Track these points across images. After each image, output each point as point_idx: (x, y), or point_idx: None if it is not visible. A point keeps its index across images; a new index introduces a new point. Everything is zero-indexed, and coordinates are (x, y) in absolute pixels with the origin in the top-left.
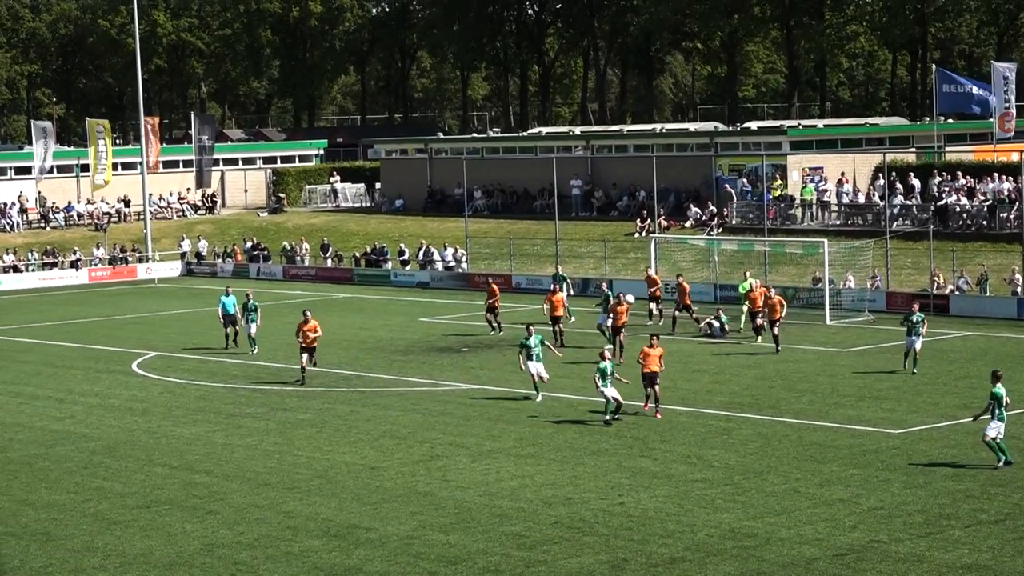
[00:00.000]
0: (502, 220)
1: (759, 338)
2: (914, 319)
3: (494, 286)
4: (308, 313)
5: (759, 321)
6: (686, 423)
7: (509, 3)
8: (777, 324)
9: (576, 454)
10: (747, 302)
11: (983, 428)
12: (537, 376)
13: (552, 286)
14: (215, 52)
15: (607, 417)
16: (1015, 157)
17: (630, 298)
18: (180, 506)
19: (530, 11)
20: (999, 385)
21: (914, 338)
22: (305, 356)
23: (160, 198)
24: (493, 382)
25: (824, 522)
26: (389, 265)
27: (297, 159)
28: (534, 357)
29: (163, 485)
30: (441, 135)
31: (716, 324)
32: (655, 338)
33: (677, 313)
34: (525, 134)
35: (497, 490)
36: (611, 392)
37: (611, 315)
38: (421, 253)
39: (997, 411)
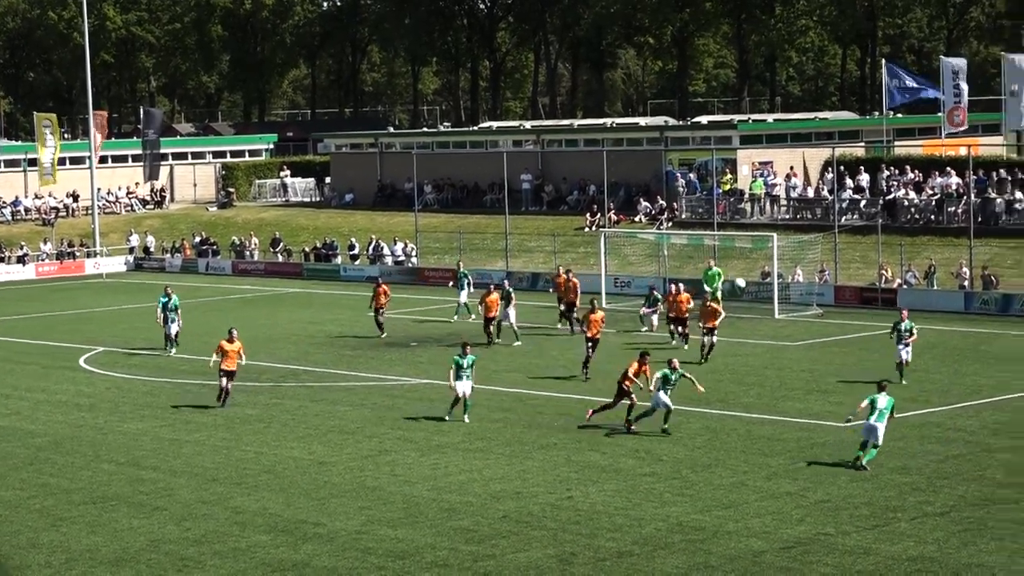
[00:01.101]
0: (452, 215)
1: (686, 344)
2: (903, 327)
3: (383, 288)
4: (234, 332)
5: (683, 329)
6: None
7: None
8: (715, 331)
9: (524, 448)
10: (666, 304)
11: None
12: (463, 395)
13: (489, 287)
14: (164, 46)
15: (665, 425)
16: (963, 152)
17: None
18: (127, 502)
19: (481, 6)
20: (882, 393)
21: (905, 347)
22: (224, 379)
23: (108, 193)
24: (442, 377)
25: (771, 515)
26: (339, 260)
27: (247, 153)
28: (464, 376)
29: (109, 481)
30: (391, 129)
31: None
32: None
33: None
34: (476, 128)
35: (445, 484)
36: (665, 399)
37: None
38: (371, 248)
39: (870, 413)
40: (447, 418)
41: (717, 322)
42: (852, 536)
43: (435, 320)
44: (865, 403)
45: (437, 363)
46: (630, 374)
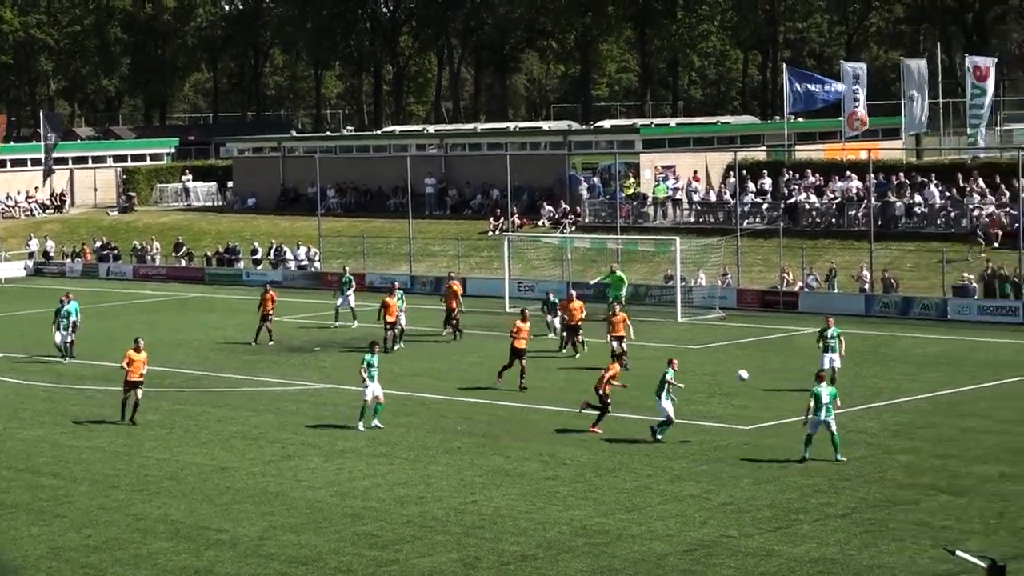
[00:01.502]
0: (356, 219)
1: (568, 349)
2: (829, 335)
3: (272, 294)
4: (141, 342)
5: (579, 336)
6: (538, 421)
7: (363, 2)
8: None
9: (429, 453)
10: (560, 312)
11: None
12: (375, 399)
13: (392, 289)
14: (64, 49)
15: (659, 436)
16: (864, 155)
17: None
18: (26, 509)
19: (384, 9)
20: (822, 385)
21: (832, 355)
22: (129, 392)
23: (7, 197)
24: (345, 381)
25: (675, 518)
26: (241, 264)
27: (148, 157)
28: (373, 377)
29: (8, 488)
30: (294, 133)
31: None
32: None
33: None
34: (379, 132)
35: (349, 490)
36: (669, 407)
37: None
38: (273, 252)
39: (818, 409)
40: (362, 428)
41: (627, 331)
42: (755, 538)
43: (341, 324)
44: (811, 401)
45: (341, 367)
46: (607, 378)
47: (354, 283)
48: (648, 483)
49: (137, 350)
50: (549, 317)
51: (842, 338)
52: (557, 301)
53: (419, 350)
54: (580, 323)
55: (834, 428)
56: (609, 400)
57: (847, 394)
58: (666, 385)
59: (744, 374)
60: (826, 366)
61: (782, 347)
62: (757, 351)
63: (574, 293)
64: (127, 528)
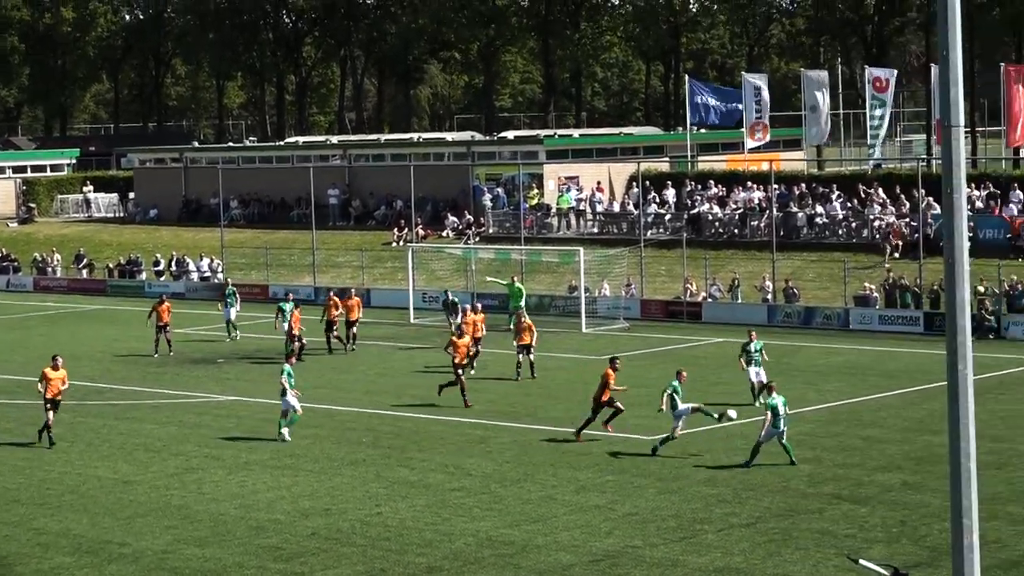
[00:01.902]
0: (259, 230)
1: (472, 369)
2: (752, 348)
3: (167, 305)
4: (59, 360)
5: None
6: (444, 432)
7: (265, 12)
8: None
9: (334, 465)
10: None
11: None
12: (293, 411)
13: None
14: None
15: (659, 447)
16: (766, 166)
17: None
18: None
19: (286, 20)
20: (775, 396)
21: (757, 368)
22: (51, 413)
23: None
24: (249, 393)
25: (580, 528)
26: (143, 276)
27: (48, 168)
28: (292, 387)
29: None
30: (196, 144)
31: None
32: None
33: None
34: (282, 143)
35: (253, 502)
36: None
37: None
38: (175, 264)
39: (776, 420)
40: (289, 439)
41: (532, 339)
42: (660, 548)
43: (246, 335)
44: (769, 413)
45: (244, 379)
46: (610, 385)
47: (238, 295)
48: (553, 494)
49: (55, 368)
50: (452, 318)
51: (764, 352)
52: (457, 301)
53: (325, 362)
54: (480, 337)
55: (785, 438)
56: (618, 403)
57: (750, 404)
58: (676, 398)
59: (732, 413)
60: (753, 379)
61: (686, 358)
62: (661, 361)
63: (471, 306)
64: (28, 543)
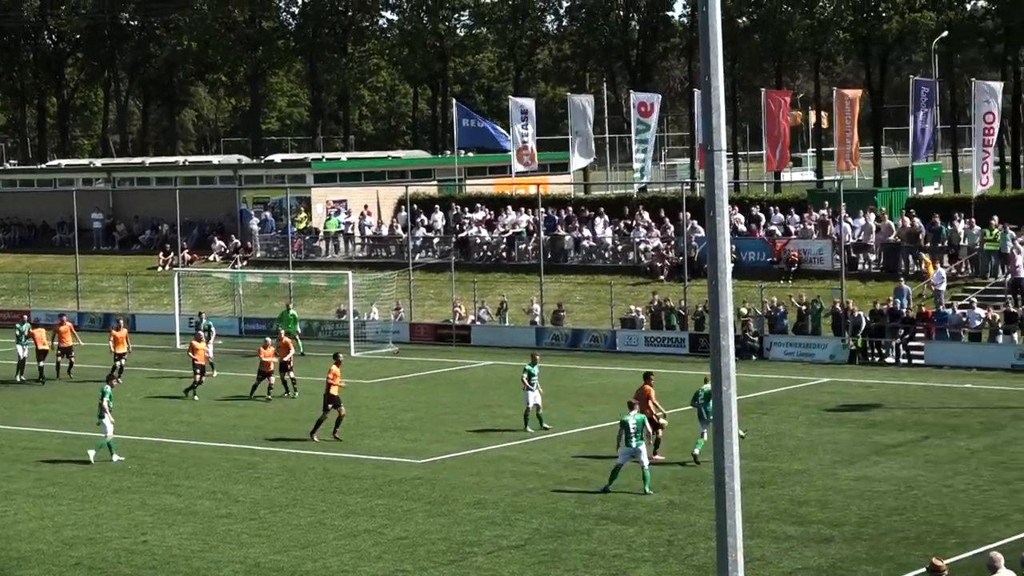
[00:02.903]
0: (20, 255)
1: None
2: (527, 374)
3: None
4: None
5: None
6: (211, 458)
7: (27, 32)
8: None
9: (98, 492)
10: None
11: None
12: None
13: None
14: None
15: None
16: (533, 190)
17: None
18: None
19: (48, 40)
20: (631, 413)
21: (534, 392)
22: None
23: None
24: (10, 421)
25: (350, 553)
26: None
27: None
28: (109, 411)
29: None
30: None
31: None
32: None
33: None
34: (44, 166)
35: (14, 533)
36: (644, 454)
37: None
38: None
39: (628, 438)
40: (116, 458)
41: (289, 356)
42: (429, 571)
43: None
44: (620, 430)
45: (4, 406)
46: (651, 404)
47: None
48: (323, 519)
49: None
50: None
51: (536, 375)
52: (211, 325)
53: (89, 388)
54: (272, 370)
55: (645, 459)
56: (659, 420)
57: (519, 426)
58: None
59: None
60: (530, 404)
61: (454, 381)
62: (430, 385)
63: (269, 340)
64: None
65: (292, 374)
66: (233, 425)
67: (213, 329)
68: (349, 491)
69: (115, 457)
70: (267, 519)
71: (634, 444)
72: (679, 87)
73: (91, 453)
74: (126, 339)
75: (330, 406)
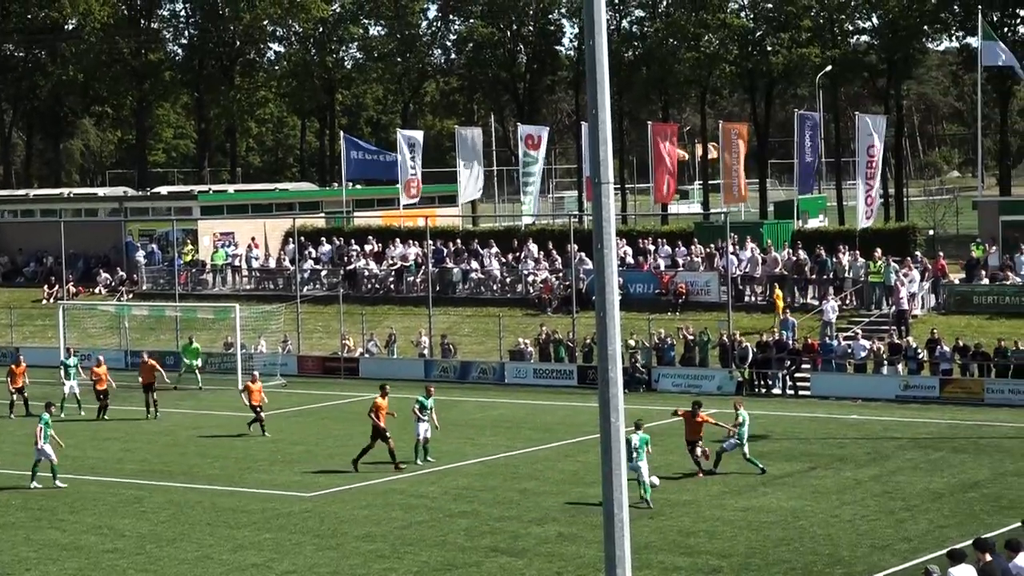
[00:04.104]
0: None
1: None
2: (419, 405)
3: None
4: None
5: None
6: (96, 493)
7: None
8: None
9: None
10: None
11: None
12: (49, 460)
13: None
14: None
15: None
16: (421, 222)
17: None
18: None
19: None
20: (638, 433)
21: (426, 425)
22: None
23: None
24: None
25: None
26: None
27: None
28: (47, 437)
29: None
30: None
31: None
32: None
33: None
34: None
35: None
36: (645, 470)
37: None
38: None
39: (629, 456)
40: (60, 484)
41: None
42: None
43: None
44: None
45: None
46: (701, 420)
47: None
48: (210, 552)
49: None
50: (67, 382)
51: (433, 408)
52: (77, 363)
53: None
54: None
55: (646, 475)
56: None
57: (407, 460)
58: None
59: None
60: (421, 436)
61: (345, 415)
62: (319, 418)
63: (256, 374)
64: None
65: (155, 395)
66: (119, 459)
67: (79, 367)
68: (237, 525)
69: (58, 483)
70: (153, 553)
71: (635, 462)
72: (567, 120)
73: (35, 483)
74: (23, 373)
75: (378, 438)
